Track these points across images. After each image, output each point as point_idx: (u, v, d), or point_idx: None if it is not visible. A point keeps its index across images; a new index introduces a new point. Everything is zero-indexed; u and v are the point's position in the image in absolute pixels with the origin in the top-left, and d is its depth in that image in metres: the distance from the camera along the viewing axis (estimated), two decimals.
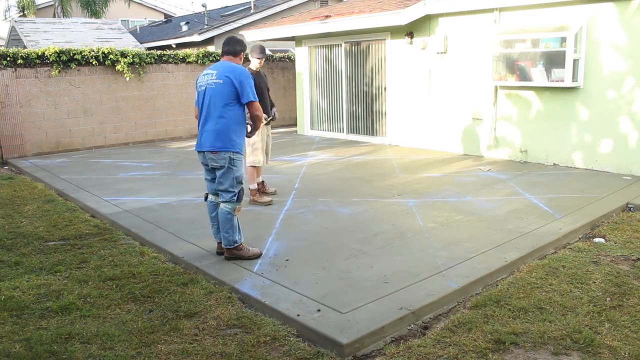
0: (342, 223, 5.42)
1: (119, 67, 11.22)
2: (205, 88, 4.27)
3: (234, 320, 3.51)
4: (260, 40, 13.19)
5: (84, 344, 3.24)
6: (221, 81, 4.19)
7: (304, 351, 3.14)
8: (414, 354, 3.08)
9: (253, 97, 4.27)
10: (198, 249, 4.75)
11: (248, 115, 4.41)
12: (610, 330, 3.28)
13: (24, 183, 8.01)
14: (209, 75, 4.28)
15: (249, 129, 4.55)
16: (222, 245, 4.43)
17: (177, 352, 3.14)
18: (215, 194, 4.48)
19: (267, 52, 15.38)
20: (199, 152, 4.38)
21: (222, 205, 4.34)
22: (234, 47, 4.41)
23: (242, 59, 4.48)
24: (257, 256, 4.46)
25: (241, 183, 4.38)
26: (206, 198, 4.59)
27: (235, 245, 4.39)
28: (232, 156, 4.26)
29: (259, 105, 4.38)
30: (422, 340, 3.24)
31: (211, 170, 4.41)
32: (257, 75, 5.84)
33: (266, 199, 6.21)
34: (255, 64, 6.02)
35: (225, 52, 4.42)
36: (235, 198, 4.33)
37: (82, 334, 3.35)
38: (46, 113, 10.66)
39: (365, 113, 11.18)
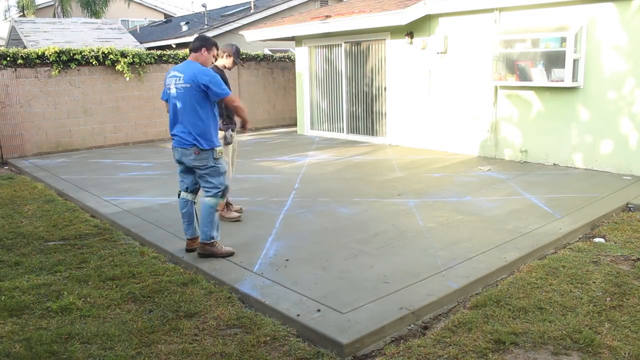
0: (342, 223, 5.42)
1: (119, 67, 11.22)
2: (174, 92, 4.30)
3: (234, 320, 3.51)
4: (260, 40, 13.21)
5: (84, 344, 3.24)
6: (188, 85, 4.22)
7: (304, 351, 3.14)
8: (414, 354, 3.08)
9: (223, 92, 4.27)
10: None
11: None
12: (610, 330, 3.28)
13: (24, 183, 8.01)
14: (176, 78, 4.30)
15: (234, 127, 4.62)
16: (200, 240, 4.49)
17: (177, 352, 3.14)
18: (192, 191, 4.59)
19: (267, 51, 15.38)
20: (175, 149, 4.42)
21: (206, 200, 4.40)
22: (194, 43, 4.43)
23: (207, 54, 4.42)
24: (230, 254, 4.51)
25: (225, 178, 4.47)
26: (179, 195, 4.66)
27: (212, 241, 4.45)
28: (214, 155, 4.33)
29: (233, 97, 4.41)
30: (422, 340, 3.24)
31: (187, 168, 4.49)
32: (221, 74, 5.33)
33: (234, 214, 5.67)
34: (223, 62, 5.57)
35: (190, 50, 4.46)
36: (220, 194, 4.41)
37: (82, 334, 3.35)
38: (46, 113, 10.66)
39: (365, 113, 11.18)
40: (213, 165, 4.36)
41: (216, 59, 5.32)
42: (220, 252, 4.48)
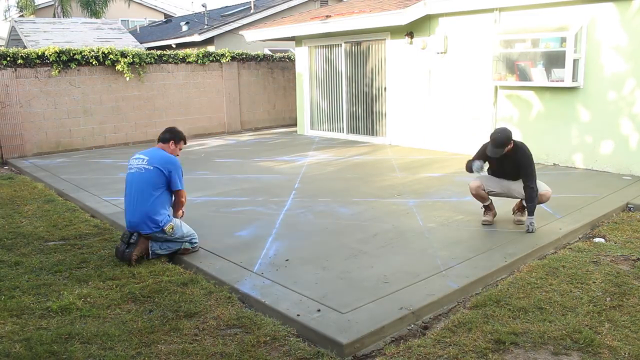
0: (342, 223, 5.42)
1: (119, 67, 11.22)
2: (135, 172, 4.51)
3: (234, 320, 3.51)
4: (260, 40, 13.21)
5: (84, 344, 3.24)
6: (151, 168, 4.46)
7: (304, 351, 3.14)
8: (414, 354, 3.08)
9: (181, 185, 4.58)
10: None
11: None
12: (610, 330, 3.28)
13: (24, 183, 8.01)
14: (140, 160, 4.55)
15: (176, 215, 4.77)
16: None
17: (177, 352, 3.14)
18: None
19: (267, 51, 15.39)
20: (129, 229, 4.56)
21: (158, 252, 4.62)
22: (164, 135, 4.71)
23: (174, 147, 4.71)
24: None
25: (187, 235, 4.65)
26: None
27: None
28: (168, 230, 4.48)
29: (184, 192, 4.74)
30: (422, 340, 3.24)
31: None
32: None
33: None
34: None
35: (158, 140, 4.74)
36: (190, 246, 4.71)
37: (82, 334, 3.35)
38: (46, 113, 10.66)
39: (365, 113, 11.18)
40: (172, 239, 4.56)
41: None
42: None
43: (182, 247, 4.60)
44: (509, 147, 4.88)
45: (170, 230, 4.48)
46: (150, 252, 4.54)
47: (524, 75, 7.90)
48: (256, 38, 12.71)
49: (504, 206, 5.84)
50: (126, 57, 11.31)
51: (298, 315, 3.44)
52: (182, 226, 4.60)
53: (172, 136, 4.70)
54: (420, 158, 8.96)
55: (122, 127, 11.74)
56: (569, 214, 5.47)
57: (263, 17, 16.37)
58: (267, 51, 15.63)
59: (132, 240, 4.48)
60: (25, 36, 16.20)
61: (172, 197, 4.65)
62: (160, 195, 4.48)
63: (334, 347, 3.13)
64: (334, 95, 11.85)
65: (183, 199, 4.72)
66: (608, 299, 3.69)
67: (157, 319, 3.55)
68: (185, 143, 4.85)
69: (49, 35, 16.49)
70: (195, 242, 4.69)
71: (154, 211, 4.43)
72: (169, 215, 4.56)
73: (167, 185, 4.52)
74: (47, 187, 7.65)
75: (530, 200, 4.89)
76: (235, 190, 6.99)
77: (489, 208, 5.32)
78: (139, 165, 4.51)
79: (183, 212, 4.84)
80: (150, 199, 4.42)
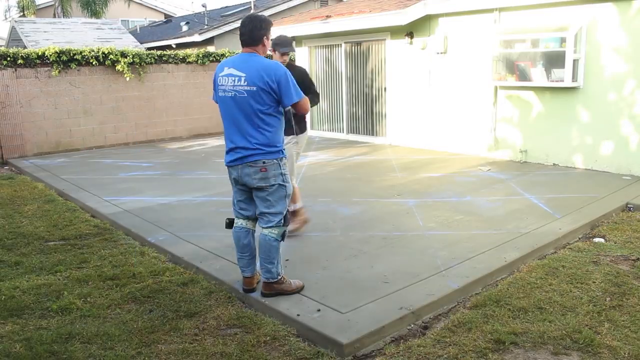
0: (342, 223, 5.42)
1: (119, 67, 11.22)
2: (234, 95, 3.46)
3: (234, 320, 3.51)
4: None
5: (84, 344, 3.24)
6: (254, 88, 3.40)
7: (304, 351, 3.14)
8: (414, 353, 3.08)
9: (297, 96, 3.50)
10: (198, 249, 4.76)
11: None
12: (610, 330, 3.28)
13: (24, 183, 8.02)
14: (235, 79, 3.46)
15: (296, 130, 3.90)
16: (263, 278, 3.69)
17: (177, 352, 3.15)
18: (254, 219, 3.75)
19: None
20: (231, 167, 3.60)
21: (266, 232, 3.58)
22: (251, 32, 3.52)
23: (267, 43, 3.64)
24: (301, 289, 3.77)
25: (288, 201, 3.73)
26: (230, 224, 3.80)
27: (279, 278, 3.68)
28: (283, 171, 3.56)
29: (307, 101, 3.66)
30: (422, 340, 3.24)
31: (246, 190, 3.65)
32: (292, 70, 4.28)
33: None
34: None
35: (244, 43, 3.57)
36: (283, 221, 3.61)
37: (82, 333, 3.35)
38: (46, 113, 10.66)
39: (365, 113, 11.18)
40: (282, 183, 3.56)
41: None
42: (290, 288, 3.71)
43: (283, 223, 3.60)
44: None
45: (286, 167, 3.59)
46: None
47: (523, 76, 7.90)
48: None
49: (504, 206, 5.85)
50: (126, 57, 11.31)
51: (298, 315, 3.44)
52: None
53: (262, 30, 3.56)
54: (420, 158, 8.97)
55: (122, 127, 11.74)
56: (568, 214, 5.47)
57: None
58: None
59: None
60: (26, 36, 16.21)
61: (283, 116, 3.64)
62: (274, 118, 3.52)
63: (334, 347, 3.13)
64: (334, 95, 11.85)
65: (306, 108, 3.69)
66: (608, 298, 3.70)
67: (157, 318, 3.55)
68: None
69: (49, 35, 16.50)
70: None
71: (272, 138, 3.50)
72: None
73: (278, 103, 3.50)
74: (47, 187, 7.66)
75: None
76: None
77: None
78: (237, 87, 3.46)
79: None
80: (265, 123, 3.46)
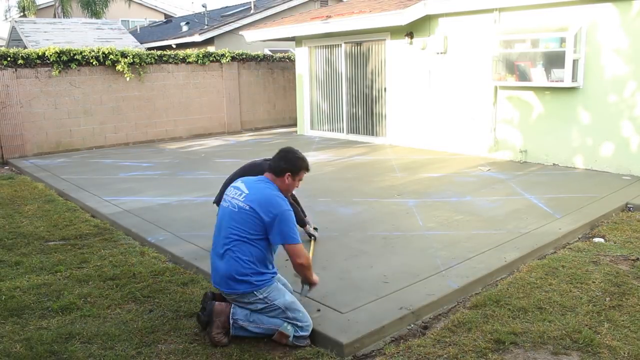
0: (342, 223, 5.43)
1: (119, 67, 11.22)
2: (228, 206, 3.30)
3: None
4: (261, 41, 13.20)
5: (84, 344, 3.25)
6: (247, 207, 3.19)
7: (304, 351, 3.14)
8: (413, 353, 3.09)
9: (291, 239, 3.20)
10: (198, 249, 4.76)
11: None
12: (610, 330, 3.28)
13: (24, 183, 8.02)
14: (237, 191, 3.31)
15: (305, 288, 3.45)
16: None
17: (178, 351, 3.15)
18: None
19: (267, 52, 15.39)
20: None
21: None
22: (277, 162, 3.38)
23: (291, 181, 3.45)
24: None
25: (294, 311, 3.24)
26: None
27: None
28: (262, 294, 3.21)
29: (301, 249, 3.27)
30: (422, 340, 3.24)
31: None
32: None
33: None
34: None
35: (268, 168, 3.42)
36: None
37: (82, 333, 3.36)
38: (46, 113, 10.66)
39: (365, 113, 11.19)
40: (266, 304, 3.22)
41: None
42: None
43: (280, 328, 3.18)
44: None
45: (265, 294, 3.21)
46: (230, 322, 3.21)
47: (523, 76, 7.90)
48: (256, 38, 12.71)
49: (504, 206, 5.85)
50: (126, 58, 11.31)
51: None
52: (284, 294, 3.27)
53: (289, 166, 3.38)
54: (420, 158, 8.97)
55: (123, 127, 11.74)
56: (568, 214, 5.47)
57: (263, 18, 16.37)
58: (267, 51, 15.64)
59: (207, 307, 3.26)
60: (26, 36, 16.21)
61: (269, 251, 3.31)
62: (257, 247, 3.21)
63: (334, 347, 3.13)
64: (334, 95, 11.85)
65: (300, 260, 3.27)
66: (607, 298, 3.70)
67: (157, 318, 3.55)
68: (307, 171, 3.54)
69: (49, 35, 16.49)
70: (303, 330, 3.20)
71: (248, 268, 3.18)
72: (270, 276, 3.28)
73: (266, 235, 3.20)
74: (47, 187, 7.66)
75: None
76: None
77: None
78: (234, 200, 3.28)
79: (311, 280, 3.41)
80: (242, 249, 3.19)
